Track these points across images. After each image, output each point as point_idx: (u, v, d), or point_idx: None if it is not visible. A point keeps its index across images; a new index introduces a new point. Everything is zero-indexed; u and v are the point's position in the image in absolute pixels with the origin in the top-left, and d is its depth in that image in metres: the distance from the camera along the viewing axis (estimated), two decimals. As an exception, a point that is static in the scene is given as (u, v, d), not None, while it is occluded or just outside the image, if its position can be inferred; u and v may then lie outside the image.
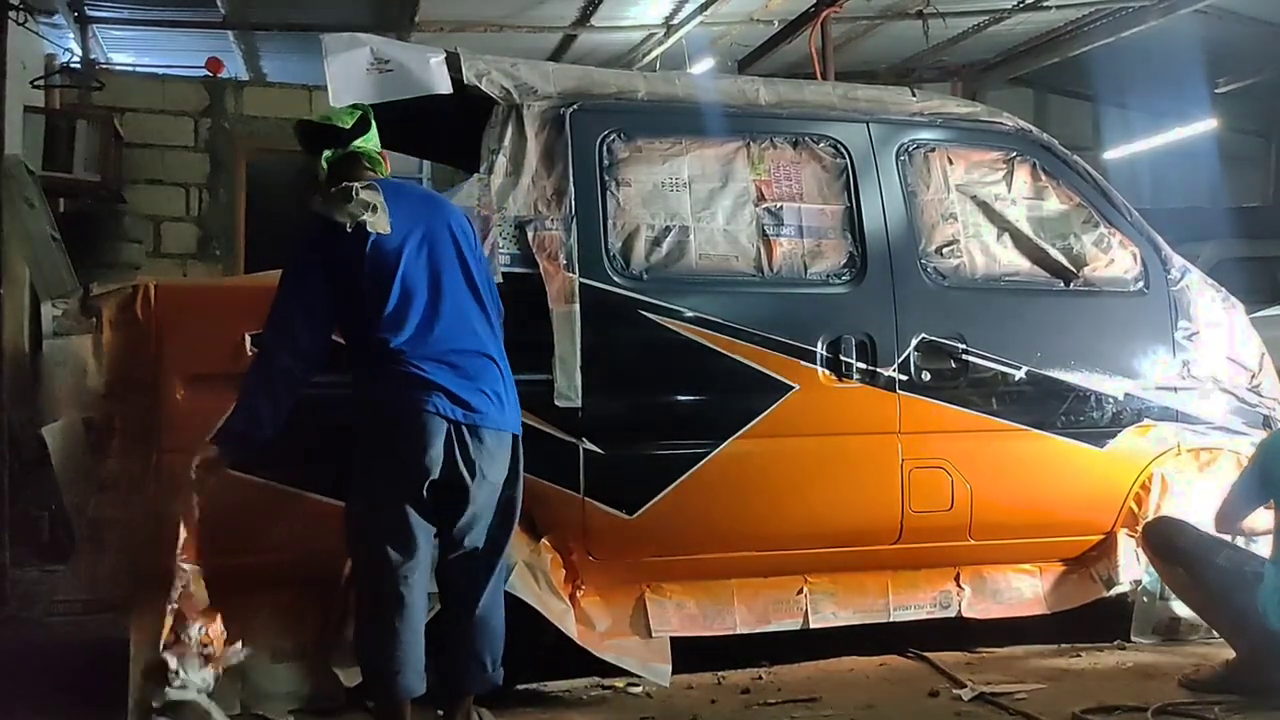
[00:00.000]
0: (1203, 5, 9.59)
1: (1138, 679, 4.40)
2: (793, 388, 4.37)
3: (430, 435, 3.49)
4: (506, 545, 3.72)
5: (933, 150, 4.77)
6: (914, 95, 4.94)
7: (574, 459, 4.14)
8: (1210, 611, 4.38)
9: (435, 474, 3.51)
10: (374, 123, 3.71)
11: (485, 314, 3.71)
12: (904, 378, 4.49)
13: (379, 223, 3.50)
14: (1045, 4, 10.18)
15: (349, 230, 3.49)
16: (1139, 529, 4.58)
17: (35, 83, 9.13)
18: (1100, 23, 10.63)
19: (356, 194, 3.50)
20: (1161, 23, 9.91)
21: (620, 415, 4.23)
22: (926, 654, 4.68)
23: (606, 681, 4.35)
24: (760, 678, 4.47)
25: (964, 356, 4.54)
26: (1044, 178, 4.86)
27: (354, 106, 3.75)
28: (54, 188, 8.77)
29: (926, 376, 4.52)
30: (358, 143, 3.65)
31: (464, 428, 3.52)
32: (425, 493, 3.53)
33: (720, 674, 4.48)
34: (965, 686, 4.25)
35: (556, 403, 4.10)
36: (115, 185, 9.64)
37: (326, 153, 3.63)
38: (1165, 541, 4.35)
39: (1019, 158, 4.85)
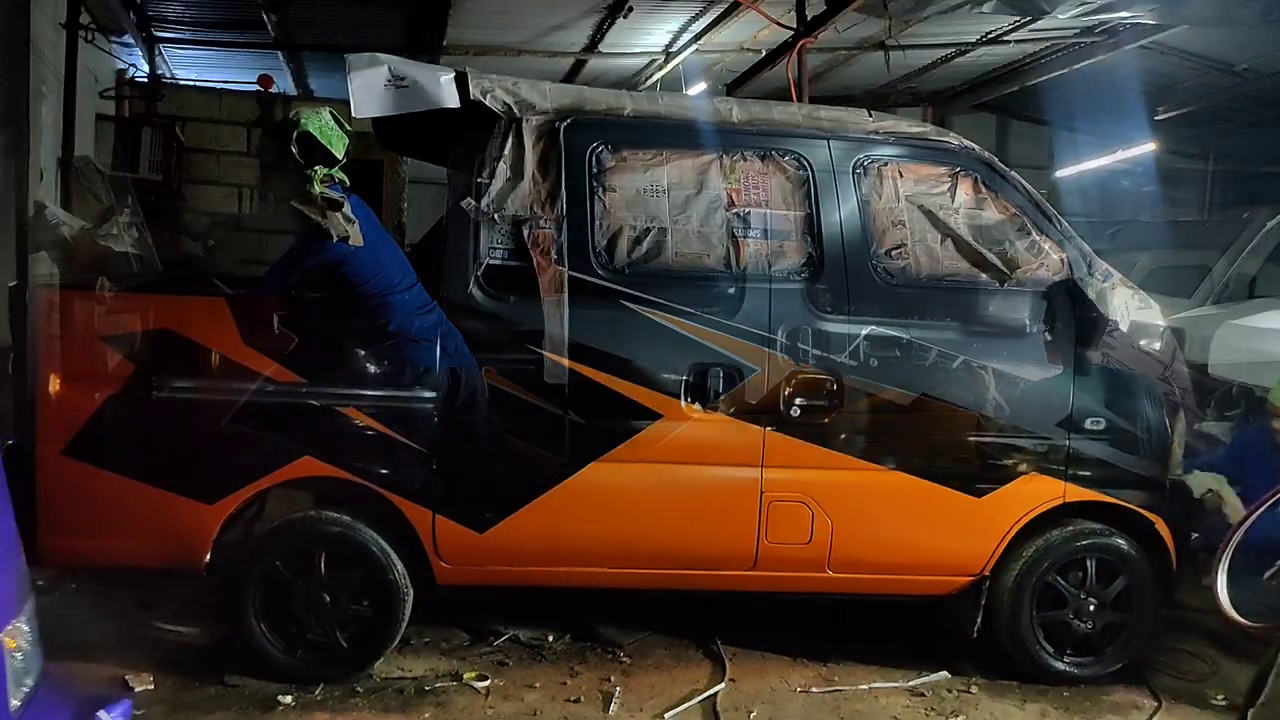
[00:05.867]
0: (1146, 41, 9.60)
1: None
2: (755, 370, 4.47)
3: None
4: None
5: (886, 164, 4.79)
6: (870, 116, 4.97)
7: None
8: None
9: None
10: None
11: None
12: (854, 364, 4.56)
13: (356, 235, 3.90)
14: (1005, 39, 10.20)
15: (334, 239, 3.90)
16: None
17: (105, 94, 9.25)
18: (1054, 56, 10.68)
19: (343, 210, 3.91)
20: (1109, 57, 9.95)
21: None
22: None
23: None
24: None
25: (909, 345, 4.60)
26: (984, 190, 4.87)
27: (345, 132, 4.15)
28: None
29: (875, 363, 4.58)
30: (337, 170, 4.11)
31: None
32: None
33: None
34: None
35: (546, 379, 4.20)
36: (176, 185, 9.77)
37: (321, 170, 4.05)
38: None
39: (962, 172, 4.87)
